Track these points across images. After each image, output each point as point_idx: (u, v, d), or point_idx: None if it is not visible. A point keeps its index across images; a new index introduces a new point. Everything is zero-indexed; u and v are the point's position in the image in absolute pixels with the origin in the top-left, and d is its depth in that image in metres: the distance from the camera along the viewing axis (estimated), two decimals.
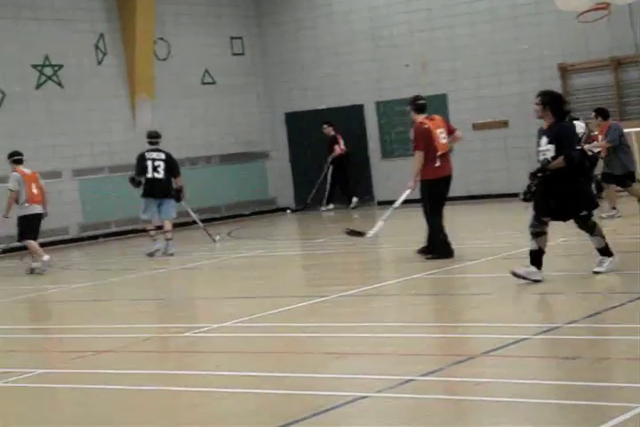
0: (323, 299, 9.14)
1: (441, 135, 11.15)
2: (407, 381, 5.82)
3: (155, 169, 14.34)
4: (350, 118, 21.09)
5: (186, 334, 8.04)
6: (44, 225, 18.24)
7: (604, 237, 8.96)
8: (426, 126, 11.09)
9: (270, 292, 10.18)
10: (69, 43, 18.66)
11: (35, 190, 13.90)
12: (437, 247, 11.05)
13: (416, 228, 16.29)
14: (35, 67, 18.21)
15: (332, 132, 20.64)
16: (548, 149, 8.72)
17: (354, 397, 5.52)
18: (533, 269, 8.76)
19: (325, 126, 20.58)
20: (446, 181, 11.26)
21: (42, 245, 18.04)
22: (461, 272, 10.31)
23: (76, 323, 9.28)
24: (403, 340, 7.16)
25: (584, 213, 8.84)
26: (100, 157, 18.92)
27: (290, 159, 21.97)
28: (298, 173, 21.88)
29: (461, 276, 10.22)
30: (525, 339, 6.71)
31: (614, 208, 13.92)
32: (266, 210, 21.69)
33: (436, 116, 11.46)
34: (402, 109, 20.69)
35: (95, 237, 18.71)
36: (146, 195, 14.47)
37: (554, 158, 8.71)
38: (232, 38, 21.51)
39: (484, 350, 6.47)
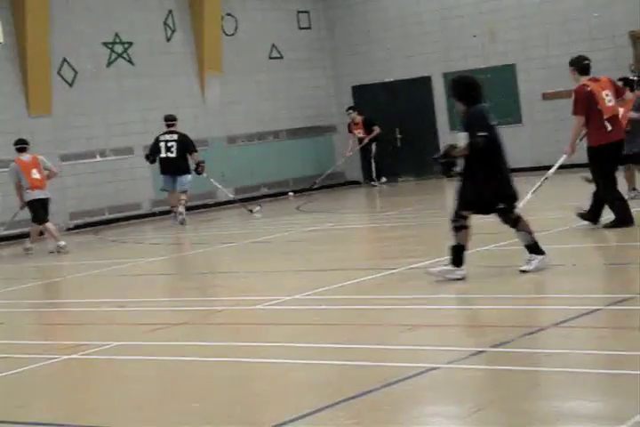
0: (393, 271, 9.17)
1: (606, 98, 10.34)
2: (478, 352, 5.84)
3: (168, 149, 16.57)
4: (418, 90, 20.97)
5: (258, 307, 8.15)
6: (119, 200, 18.59)
7: (531, 233, 8.42)
8: (588, 89, 10.28)
9: (340, 264, 10.24)
10: (139, 20, 18.85)
11: (35, 176, 14.23)
12: (617, 216, 10.30)
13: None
14: (105, 44, 18.45)
15: (359, 116, 20.83)
16: (462, 138, 8.39)
17: (425, 368, 5.56)
18: (449, 267, 8.39)
19: (351, 112, 20.83)
20: (617, 145, 10.43)
21: (115, 220, 18.41)
22: None
23: (150, 296, 9.46)
24: (473, 311, 7.17)
25: (501, 205, 8.35)
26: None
27: None
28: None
29: None
30: (597, 310, 6.67)
31: (634, 189, 12.82)
32: (334, 183, 21.73)
33: (602, 78, 10.58)
34: None
35: (167, 213, 18.96)
36: (162, 172, 16.74)
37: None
38: (299, 12, 21.49)
39: (556, 321, 6.44)
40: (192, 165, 16.59)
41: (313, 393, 5.39)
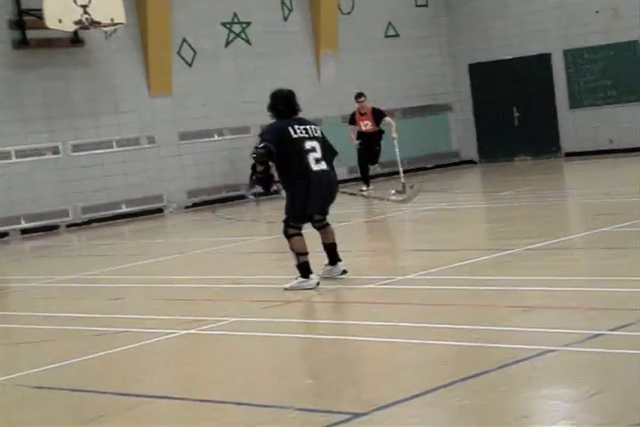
0: (508, 252, 9.05)
1: None
2: (596, 335, 5.72)
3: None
4: (537, 68, 20.56)
5: (371, 286, 8.16)
6: (236, 179, 18.84)
7: (298, 255, 8.27)
8: None
9: (455, 245, 10.16)
10: (256, 0, 18.99)
11: None
12: None
13: (600, 179, 15.84)
14: (224, 24, 18.66)
15: (369, 105, 17.50)
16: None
17: (541, 350, 5.48)
18: (300, 279, 8.23)
19: (364, 99, 17.41)
20: None
21: (231, 198, 18.66)
22: None
23: (264, 273, 9.57)
24: (590, 294, 7.02)
25: (285, 217, 8.38)
26: None
27: (473, 112, 21.67)
28: (481, 125, 21.59)
29: None
30: None
31: None
32: (449, 163, 21.55)
33: None
34: (592, 57, 20.09)
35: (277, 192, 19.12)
36: None
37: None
38: None
39: None
40: None
41: (426, 373, 5.38)
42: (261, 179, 8.46)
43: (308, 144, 8.34)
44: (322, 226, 8.66)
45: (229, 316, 7.48)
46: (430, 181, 18.87)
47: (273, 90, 8.89)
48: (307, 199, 8.33)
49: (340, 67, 19.96)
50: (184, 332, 7.14)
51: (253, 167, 8.44)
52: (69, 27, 15.73)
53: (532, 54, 20.55)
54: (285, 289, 8.25)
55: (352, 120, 17.69)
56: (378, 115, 17.41)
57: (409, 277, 8.37)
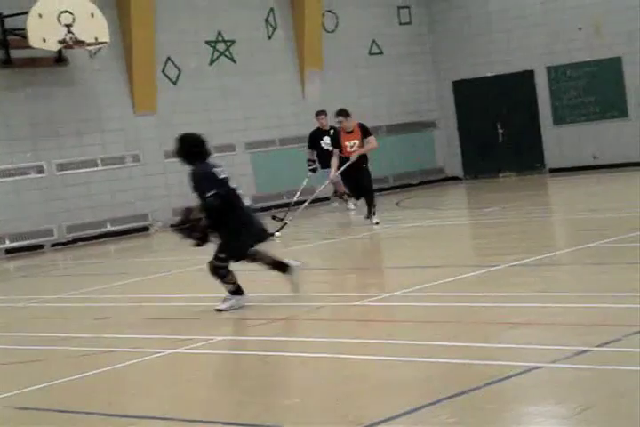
0: (494, 268, 9.07)
1: None
2: (583, 351, 5.73)
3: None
4: (520, 85, 20.67)
5: (357, 303, 8.15)
6: None
7: (232, 283, 8.36)
8: None
9: (441, 261, 10.17)
10: (241, 18, 19.06)
11: None
12: None
13: (585, 194, 15.91)
14: (208, 43, 18.70)
15: (353, 121, 14.42)
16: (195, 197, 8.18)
17: (528, 367, 5.48)
18: (232, 298, 8.30)
19: (342, 119, 14.34)
20: None
21: None
22: (639, 241, 9.99)
23: (251, 291, 9.53)
24: (577, 310, 7.03)
25: (222, 255, 8.27)
26: (271, 129, 19.29)
27: (458, 128, 21.76)
28: (466, 141, 21.68)
29: (638, 245, 9.90)
30: None
31: None
32: (434, 179, 21.60)
33: None
34: (575, 74, 20.22)
35: (267, 209, 19.12)
36: (323, 166, 16.09)
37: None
38: (399, 8, 21.41)
39: None
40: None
41: (414, 391, 5.37)
42: (191, 228, 8.23)
43: (232, 183, 8.36)
44: (255, 256, 8.57)
45: (216, 335, 7.45)
46: (415, 197, 18.91)
47: (179, 135, 8.67)
48: (247, 238, 8.33)
49: (324, 84, 20.02)
50: (170, 351, 7.11)
51: (185, 218, 8.26)
52: (53, 46, 15.73)
53: (515, 71, 20.68)
54: (219, 310, 8.20)
55: (335, 142, 14.44)
56: (365, 132, 14.37)
57: (395, 294, 8.36)
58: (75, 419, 5.62)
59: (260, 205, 19.03)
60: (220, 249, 8.29)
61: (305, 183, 15.37)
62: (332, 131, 15.69)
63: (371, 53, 20.96)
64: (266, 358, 6.67)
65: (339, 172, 14.19)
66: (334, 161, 14.21)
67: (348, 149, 14.17)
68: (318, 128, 16.90)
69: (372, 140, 14.24)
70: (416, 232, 13.05)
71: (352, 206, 16.68)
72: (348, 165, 14.05)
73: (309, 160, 16.74)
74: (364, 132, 14.33)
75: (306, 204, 14.98)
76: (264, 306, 8.52)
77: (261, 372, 6.38)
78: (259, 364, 6.59)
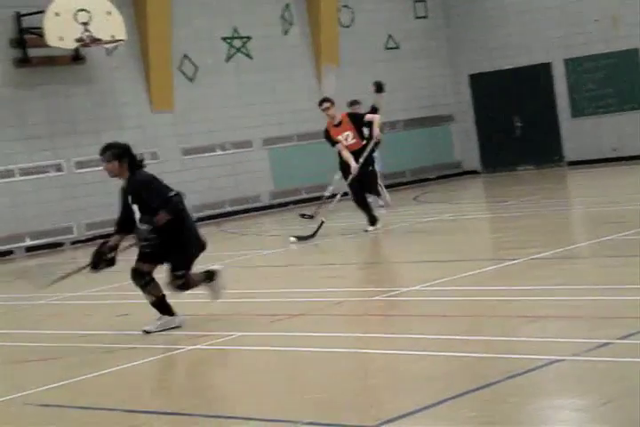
0: (513, 262, 9.04)
1: None
2: (604, 344, 5.71)
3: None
4: (537, 77, 20.58)
5: (376, 298, 8.15)
6: (239, 193, 18.86)
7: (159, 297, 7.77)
8: None
9: (459, 255, 10.15)
10: (257, 14, 19.06)
11: None
12: None
13: (604, 187, 15.83)
14: (224, 39, 18.72)
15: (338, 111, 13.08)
16: (135, 211, 7.57)
17: (549, 360, 5.46)
18: (166, 318, 7.83)
19: (326, 105, 13.15)
20: None
21: (235, 213, 18.68)
22: None
23: (270, 287, 9.56)
24: (598, 303, 7.01)
25: (180, 272, 7.68)
26: (287, 125, 19.29)
27: (475, 122, 21.69)
28: (483, 135, 21.61)
29: None
30: None
31: None
32: (451, 173, 21.55)
33: None
34: (593, 66, 20.12)
35: (285, 204, 19.14)
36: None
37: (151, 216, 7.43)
38: (415, 1, 21.36)
39: None
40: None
41: (434, 385, 5.36)
42: (149, 239, 7.58)
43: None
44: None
45: (236, 330, 7.47)
46: (433, 192, 18.87)
47: (107, 143, 7.88)
48: (195, 250, 7.84)
49: (340, 79, 19.99)
50: (191, 347, 7.13)
51: (141, 239, 7.56)
52: (70, 44, 15.78)
53: (532, 64, 20.59)
54: (147, 332, 7.76)
55: (329, 140, 12.73)
56: (357, 121, 12.61)
57: (414, 288, 8.35)
58: (97, 416, 5.64)
59: (278, 201, 19.09)
60: (176, 267, 7.75)
61: (338, 177, 13.64)
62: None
63: (387, 48, 20.92)
64: (286, 353, 6.68)
65: (362, 160, 12.56)
66: (345, 154, 12.62)
67: (346, 143, 12.54)
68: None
69: (371, 117, 12.55)
70: (434, 226, 13.02)
71: (382, 203, 14.95)
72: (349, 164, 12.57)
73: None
74: (355, 120, 12.58)
75: (337, 198, 13.57)
76: (282, 302, 8.52)
77: (282, 367, 6.39)
78: (279, 359, 6.60)
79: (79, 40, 15.70)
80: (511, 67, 20.86)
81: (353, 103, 14.73)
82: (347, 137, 12.56)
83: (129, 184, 7.69)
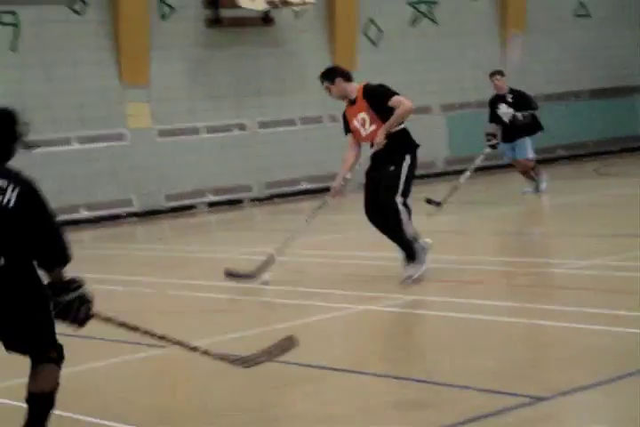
0: None
1: None
2: None
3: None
4: None
5: (556, 270, 8.08)
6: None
7: None
8: None
9: (639, 231, 9.88)
10: None
11: None
12: None
13: None
14: (410, 4, 18.65)
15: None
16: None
17: None
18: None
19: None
20: None
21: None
22: None
23: (448, 253, 9.57)
24: None
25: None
26: (467, 92, 19.10)
27: None
28: None
29: None
30: None
31: None
32: (636, 146, 20.84)
33: None
34: None
35: (460, 171, 19.00)
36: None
37: None
38: None
39: None
40: None
41: (611, 360, 5.31)
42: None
43: None
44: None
45: (409, 294, 7.57)
46: (615, 165, 18.33)
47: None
48: None
49: (526, 47, 19.59)
50: (362, 307, 7.28)
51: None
52: (261, 6, 16.13)
53: None
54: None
55: (346, 127, 8.83)
56: (376, 100, 8.42)
57: (591, 262, 8.23)
58: (275, 368, 5.88)
59: (453, 168, 18.98)
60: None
61: (479, 162, 13.29)
62: (510, 96, 13.90)
63: (577, 15, 20.32)
64: (457, 319, 6.73)
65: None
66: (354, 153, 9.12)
67: (363, 133, 8.60)
68: (496, 94, 14.17)
69: (397, 101, 8.31)
70: (614, 201, 12.69)
71: (529, 189, 14.06)
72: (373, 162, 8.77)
73: (488, 134, 13.90)
74: (373, 97, 8.41)
75: (465, 176, 13.00)
76: (459, 268, 8.55)
77: (453, 333, 6.45)
78: (450, 325, 6.65)
79: (270, 2, 16.02)
80: None
81: (494, 74, 13.91)
82: (363, 121, 8.63)
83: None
